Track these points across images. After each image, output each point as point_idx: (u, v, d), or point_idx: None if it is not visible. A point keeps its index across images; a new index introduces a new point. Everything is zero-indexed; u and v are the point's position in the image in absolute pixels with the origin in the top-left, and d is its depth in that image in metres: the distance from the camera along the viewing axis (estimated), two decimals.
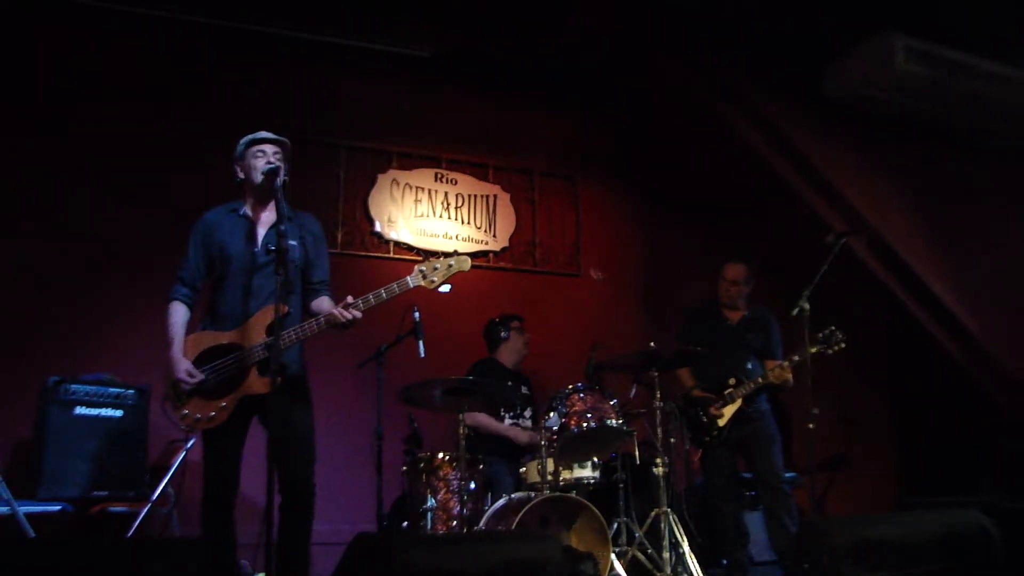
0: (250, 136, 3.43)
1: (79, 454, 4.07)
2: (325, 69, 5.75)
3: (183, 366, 3.20)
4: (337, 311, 3.19)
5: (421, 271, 3.29)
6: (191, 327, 3.36)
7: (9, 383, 4.47)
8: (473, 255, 5.92)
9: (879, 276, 5.82)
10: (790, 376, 4.43)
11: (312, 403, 3.39)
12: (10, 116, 4.91)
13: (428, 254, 5.50)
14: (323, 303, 3.39)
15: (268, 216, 3.42)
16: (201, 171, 4.90)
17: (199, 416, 3.19)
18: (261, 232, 3.39)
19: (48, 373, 4.17)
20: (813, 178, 5.79)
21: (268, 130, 3.46)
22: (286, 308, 3.10)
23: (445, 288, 3.34)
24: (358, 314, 3.20)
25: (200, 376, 3.20)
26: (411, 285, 3.27)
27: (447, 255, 3.37)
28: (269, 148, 3.39)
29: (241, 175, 3.44)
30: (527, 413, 4.95)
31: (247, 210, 3.44)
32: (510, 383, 4.79)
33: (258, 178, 3.34)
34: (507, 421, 4.88)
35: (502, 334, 5.06)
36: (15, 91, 4.96)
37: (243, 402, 3.20)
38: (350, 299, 3.21)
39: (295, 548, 3.20)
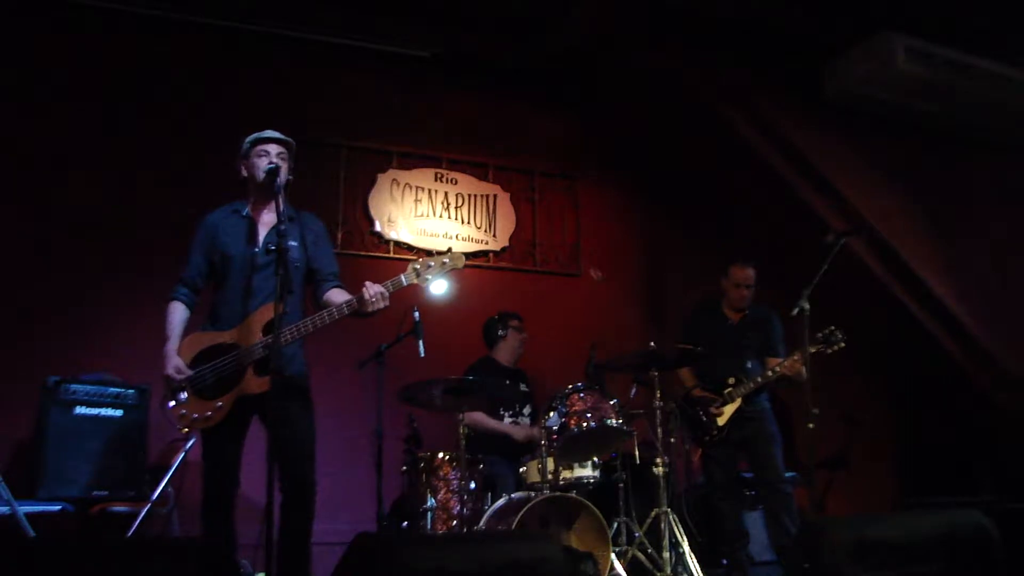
0: (255, 135, 3.44)
1: (79, 454, 4.07)
2: (325, 69, 5.75)
3: (173, 362, 3.22)
4: (367, 294, 3.17)
5: (415, 269, 3.27)
6: (192, 328, 3.37)
7: (9, 383, 4.46)
8: (473, 255, 5.95)
9: (879, 276, 5.82)
10: (803, 369, 4.31)
11: (312, 403, 3.39)
12: (9, 116, 4.91)
13: (428, 254, 5.50)
14: (335, 295, 3.38)
15: (269, 216, 3.42)
16: (201, 171, 4.91)
17: (196, 416, 3.18)
18: (262, 232, 3.40)
19: (48, 373, 4.17)
20: (813, 178, 5.79)
21: (268, 130, 3.47)
22: (282, 307, 3.10)
23: (439, 289, 3.33)
24: (387, 303, 3.18)
25: (188, 373, 3.20)
26: (404, 283, 3.27)
27: (442, 253, 3.35)
28: (273, 148, 3.40)
29: (244, 173, 3.44)
30: (526, 411, 4.95)
31: (248, 210, 3.44)
32: (507, 382, 4.79)
33: (260, 176, 3.34)
34: (506, 419, 4.89)
35: (499, 332, 5.06)
36: (15, 91, 4.96)
37: (240, 402, 3.20)
38: (369, 284, 3.19)
39: (296, 547, 3.20)
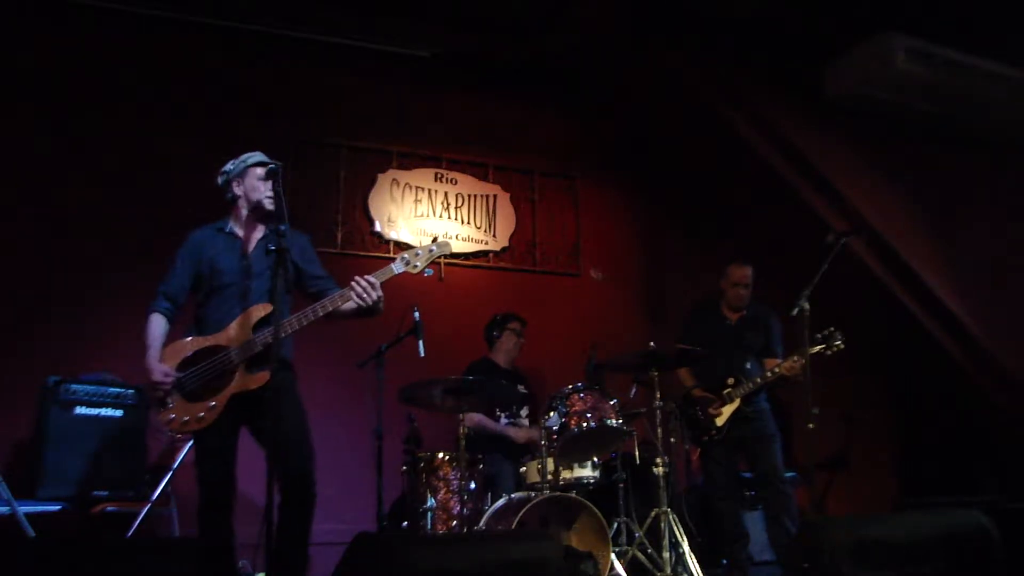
0: (253, 158, 3.44)
1: (79, 454, 4.07)
2: (325, 69, 5.75)
3: (159, 369, 3.20)
4: (355, 285, 3.20)
5: (404, 258, 3.30)
6: (171, 340, 3.36)
7: (9, 383, 4.47)
8: (473, 255, 5.96)
9: (879, 276, 5.82)
10: (800, 369, 4.32)
11: (300, 397, 3.38)
12: (10, 116, 4.91)
13: None
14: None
15: (257, 234, 3.45)
16: (202, 171, 4.88)
17: (187, 419, 3.18)
18: (250, 246, 3.42)
19: (48, 373, 4.17)
20: (813, 178, 5.79)
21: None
22: (270, 307, 3.14)
23: (428, 271, 3.36)
24: (378, 292, 3.21)
25: (174, 375, 3.20)
26: (395, 272, 3.29)
27: (428, 244, 3.39)
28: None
29: (237, 192, 3.45)
30: (523, 412, 4.95)
31: (234, 227, 3.46)
32: (504, 382, 4.78)
33: (267, 204, 3.36)
34: (503, 421, 4.88)
35: (495, 332, 5.07)
36: (16, 92, 4.96)
37: (233, 401, 3.19)
38: (358, 277, 3.21)
39: (294, 546, 3.19)
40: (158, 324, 3.36)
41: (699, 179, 6.58)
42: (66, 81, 5.10)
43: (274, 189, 3.18)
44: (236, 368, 3.20)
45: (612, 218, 6.56)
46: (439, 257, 3.38)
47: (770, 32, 5.66)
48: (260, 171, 3.40)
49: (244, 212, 3.46)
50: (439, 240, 3.43)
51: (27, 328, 4.67)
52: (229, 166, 3.47)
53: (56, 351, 4.65)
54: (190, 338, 3.31)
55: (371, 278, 3.23)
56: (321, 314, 3.22)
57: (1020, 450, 5.63)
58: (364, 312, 3.25)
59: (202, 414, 3.17)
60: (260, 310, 3.24)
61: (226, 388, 3.19)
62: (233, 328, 3.25)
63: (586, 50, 6.00)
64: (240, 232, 3.45)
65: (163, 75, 5.32)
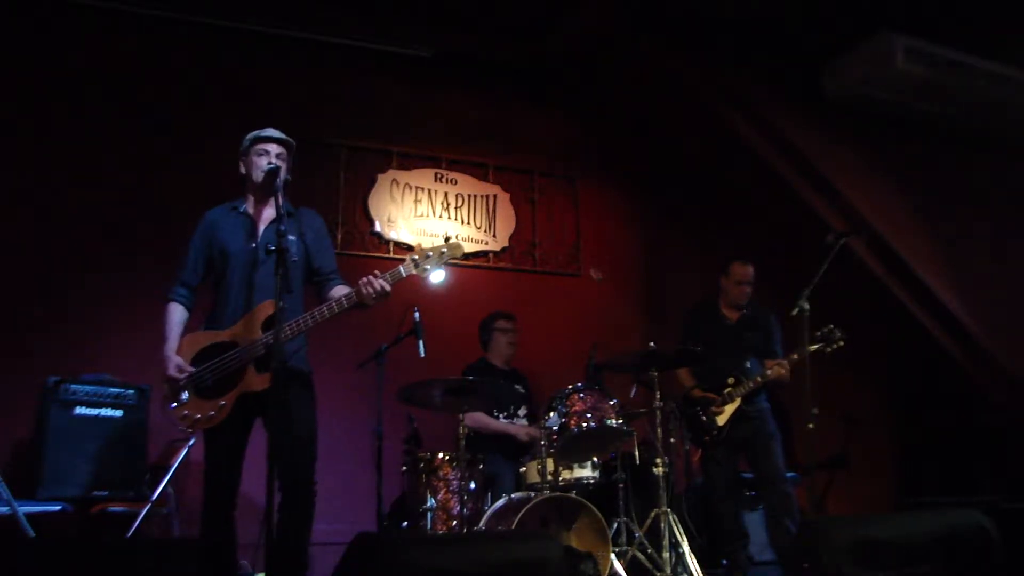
0: (256, 132, 3.44)
1: (79, 454, 4.07)
2: (325, 69, 5.75)
3: (174, 362, 3.20)
4: (364, 283, 3.16)
5: (413, 260, 3.25)
6: (190, 328, 3.35)
7: (9, 383, 4.47)
8: (473, 255, 5.95)
9: (879, 276, 5.82)
10: (786, 373, 4.42)
11: (315, 400, 3.37)
12: (9, 116, 4.91)
13: None
14: (339, 291, 3.36)
15: (269, 213, 3.41)
16: (201, 171, 4.91)
17: (199, 416, 3.17)
18: (261, 229, 3.39)
19: (48, 373, 4.16)
20: (813, 178, 5.80)
21: (269, 129, 3.46)
22: (280, 304, 3.10)
23: (438, 279, 3.31)
24: (387, 287, 3.18)
25: (190, 370, 3.19)
26: (404, 275, 3.25)
27: (439, 244, 3.33)
28: (273, 147, 3.40)
29: (243, 170, 3.45)
30: (521, 412, 4.94)
31: (247, 207, 3.44)
32: (503, 382, 4.78)
33: (259, 176, 3.35)
34: (501, 421, 4.88)
35: (484, 336, 5.09)
36: (15, 91, 4.96)
37: (242, 400, 3.18)
38: (370, 279, 3.19)
39: (294, 547, 3.18)
40: (175, 313, 3.34)
41: (699, 179, 6.59)
42: (66, 81, 5.10)
43: (274, 187, 3.17)
44: (246, 367, 3.18)
45: (612, 218, 6.56)
46: (449, 260, 3.32)
47: (770, 32, 5.66)
48: (261, 146, 3.40)
49: (250, 192, 3.45)
50: (451, 242, 3.33)
51: (27, 328, 4.67)
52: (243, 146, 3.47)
53: (56, 351, 4.65)
54: (205, 331, 3.30)
55: (384, 284, 3.20)
56: (327, 316, 3.22)
57: (1020, 450, 5.63)
58: (359, 306, 3.23)
59: (212, 412, 3.16)
60: (268, 308, 3.20)
61: (236, 387, 3.18)
62: (241, 325, 3.24)
63: (586, 50, 6.00)
64: (252, 211, 3.43)
65: (163, 75, 5.32)
